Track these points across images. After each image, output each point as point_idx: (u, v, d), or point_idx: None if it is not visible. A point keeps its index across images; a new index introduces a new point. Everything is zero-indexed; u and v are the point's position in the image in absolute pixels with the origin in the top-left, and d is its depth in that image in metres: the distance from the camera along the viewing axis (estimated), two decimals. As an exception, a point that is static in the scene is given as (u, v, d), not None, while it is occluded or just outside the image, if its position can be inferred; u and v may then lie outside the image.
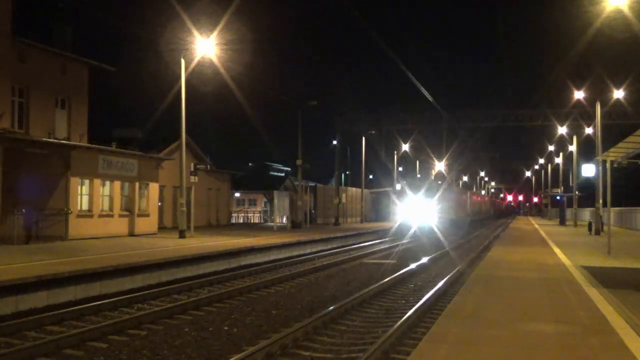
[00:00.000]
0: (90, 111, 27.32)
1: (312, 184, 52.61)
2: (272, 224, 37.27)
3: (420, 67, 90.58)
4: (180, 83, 24.06)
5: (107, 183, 24.76)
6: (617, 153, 18.50)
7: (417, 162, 67.29)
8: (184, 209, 24.09)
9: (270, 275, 16.12)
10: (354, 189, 56.51)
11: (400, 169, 65.96)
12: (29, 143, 21.77)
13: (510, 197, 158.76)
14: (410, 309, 10.70)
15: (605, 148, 23.39)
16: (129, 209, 25.85)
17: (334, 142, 51.80)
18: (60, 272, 11.99)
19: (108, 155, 24.84)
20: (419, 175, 67.74)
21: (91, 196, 23.70)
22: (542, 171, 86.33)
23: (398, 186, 49.11)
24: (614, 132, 36.05)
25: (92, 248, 18.08)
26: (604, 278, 12.47)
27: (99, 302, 11.17)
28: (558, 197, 61.02)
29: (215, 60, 25.01)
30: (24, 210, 20.24)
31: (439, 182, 48.70)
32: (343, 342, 8.85)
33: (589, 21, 25.39)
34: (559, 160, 63.18)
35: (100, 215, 24.13)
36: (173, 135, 29.74)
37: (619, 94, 39.43)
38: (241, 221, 52.49)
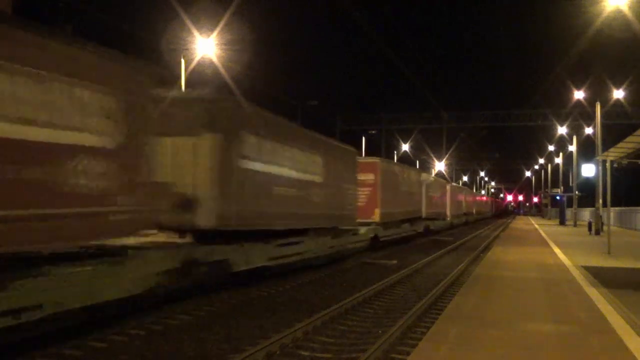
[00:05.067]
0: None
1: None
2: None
3: (420, 67, 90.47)
4: (180, 83, 24.07)
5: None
6: (617, 153, 18.51)
7: (417, 162, 67.29)
8: None
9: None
10: None
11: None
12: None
13: (510, 197, 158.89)
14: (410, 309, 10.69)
15: (606, 148, 23.39)
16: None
17: (334, 142, 51.83)
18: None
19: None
20: None
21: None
22: (542, 171, 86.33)
23: None
24: (614, 132, 36.09)
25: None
26: (604, 278, 12.47)
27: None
28: (558, 197, 61.05)
29: (215, 60, 25.02)
30: None
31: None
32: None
33: (589, 21, 25.45)
34: (559, 160, 63.20)
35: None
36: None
37: (619, 94, 39.52)
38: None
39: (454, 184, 56.47)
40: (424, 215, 32.74)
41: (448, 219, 43.95)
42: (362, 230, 21.65)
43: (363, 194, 22.16)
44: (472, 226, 56.27)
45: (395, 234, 26.71)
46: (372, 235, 22.73)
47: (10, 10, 6.97)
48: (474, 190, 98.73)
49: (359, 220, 20.75)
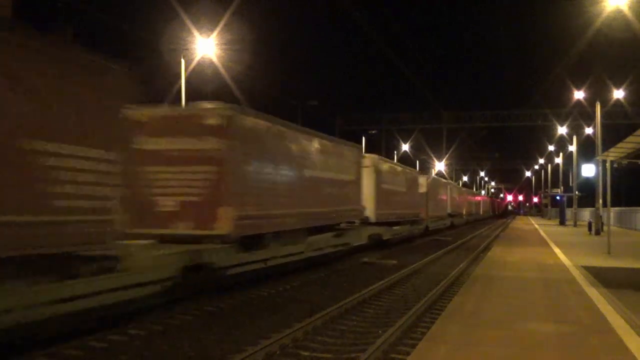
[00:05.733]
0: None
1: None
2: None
3: (420, 67, 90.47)
4: (181, 83, 24.07)
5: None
6: (617, 153, 18.51)
7: (417, 162, 67.28)
8: None
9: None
10: None
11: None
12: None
13: (510, 197, 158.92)
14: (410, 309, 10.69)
15: (606, 148, 23.39)
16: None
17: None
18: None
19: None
20: None
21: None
22: (542, 171, 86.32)
23: None
24: (614, 132, 36.11)
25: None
26: (604, 278, 12.46)
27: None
28: (558, 197, 61.03)
29: (215, 60, 25.03)
30: None
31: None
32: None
33: (589, 21, 25.46)
34: (559, 160, 63.21)
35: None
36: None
37: (619, 94, 39.51)
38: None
39: (435, 177, 45.96)
40: (372, 217, 22.28)
41: (424, 222, 33.54)
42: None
43: (190, 178, 11.92)
44: (471, 226, 56.18)
45: (276, 257, 14.26)
46: (171, 274, 10.19)
47: (10, 10, 6.94)
48: (474, 190, 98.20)
49: (177, 232, 11.63)
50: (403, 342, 8.68)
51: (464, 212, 56.45)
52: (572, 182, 50.37)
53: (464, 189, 68.42)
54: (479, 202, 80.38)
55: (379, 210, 22.97)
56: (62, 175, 7.75)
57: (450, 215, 45.33)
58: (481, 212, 79.37)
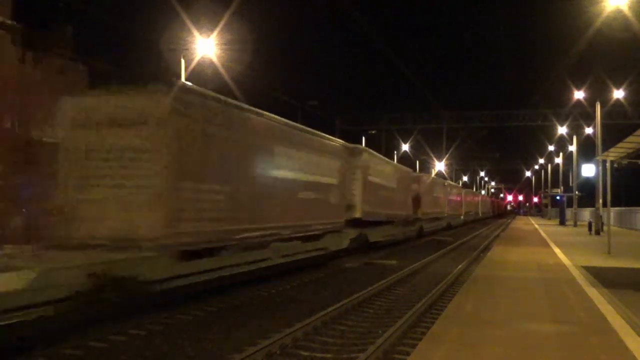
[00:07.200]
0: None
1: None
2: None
3: (420, 67, 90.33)
4: (180, 83, 23.92)
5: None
6: (617, 153, 18.52)
7: (417, 162, 67.22)
8: None
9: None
10: None
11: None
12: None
13: (510, 197, 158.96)
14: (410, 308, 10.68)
15: (606, 148, 23.39)
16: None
17: (334, 142, 51.69)
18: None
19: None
20: None
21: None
22: (542, 171, 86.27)
23: None
24: (614, 132, 36.06)
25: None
26: (604, 278, 12.46)
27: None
28: (558, 197, 61.00)
29: (215, 60, 25.01)
30: None
31: None
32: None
33: (589, 21, 25.43)
34: (559, 160, 63.18)
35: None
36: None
37: (619, 94, 39.49)
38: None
39: (348, 144, 21.81)
40: None
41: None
42: None
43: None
44: (471, 226, 56.15)
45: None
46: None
47: (10, 9, 6.96)
48: (474, 189, 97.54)
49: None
50: (403, 342, 8.68)
51: (429, 213, 36.48)
52: (572, 182, 50.36)
53: (437, 179, 45.06)
54: (459, 201, 55.09)
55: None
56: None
57: (388, 223, 25.54)
58: (462, 216, 56.78)
